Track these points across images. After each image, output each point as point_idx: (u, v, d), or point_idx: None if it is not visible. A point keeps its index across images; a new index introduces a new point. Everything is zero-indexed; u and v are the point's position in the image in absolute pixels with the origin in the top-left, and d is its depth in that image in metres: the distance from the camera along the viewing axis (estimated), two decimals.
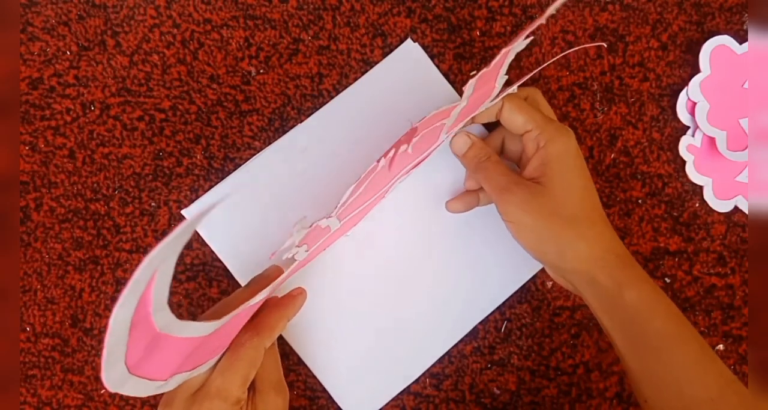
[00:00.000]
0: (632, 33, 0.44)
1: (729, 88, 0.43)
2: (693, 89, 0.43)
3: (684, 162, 0.44)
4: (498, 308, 0.43)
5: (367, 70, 0.43)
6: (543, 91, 0.42)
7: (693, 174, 0.44)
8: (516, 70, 0.44)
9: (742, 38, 0.44)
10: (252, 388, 0.36)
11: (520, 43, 0.32)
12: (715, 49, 0.43)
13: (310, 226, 0.32)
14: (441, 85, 0.43)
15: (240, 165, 0.43)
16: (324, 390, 0.42)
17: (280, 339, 0.42)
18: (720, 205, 0.44)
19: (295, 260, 0.34)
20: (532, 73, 0.36)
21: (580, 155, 0.36)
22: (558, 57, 0.40)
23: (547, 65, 0.44)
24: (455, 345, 0.43)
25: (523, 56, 0.44)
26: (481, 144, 0.39)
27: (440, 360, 0.43)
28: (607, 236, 0.36)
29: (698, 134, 0.44)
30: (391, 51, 0.43)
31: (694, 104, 0.43)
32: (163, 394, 0.34)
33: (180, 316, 0.42)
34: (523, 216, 0.35)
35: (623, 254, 0.36)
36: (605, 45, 0.44)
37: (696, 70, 0.44)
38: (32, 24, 0.43)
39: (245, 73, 0.43)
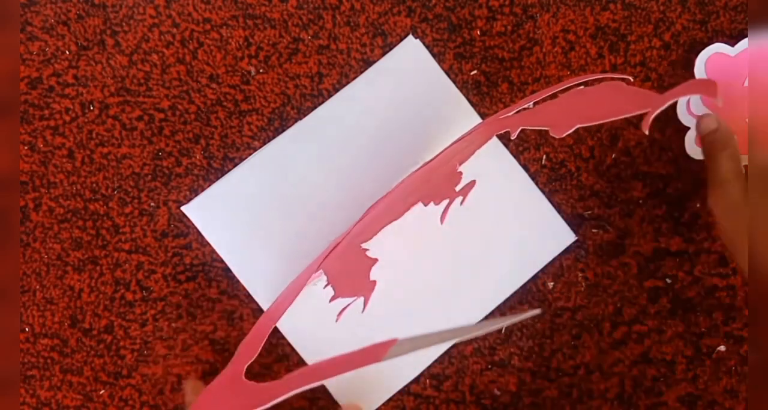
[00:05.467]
0: (634, 32, 0.44)
1: (730, 92, 0.43)
2: (694, 102, 0.43)
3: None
4: (498, 308, 0.43)
5: (367, 70, 0.43)
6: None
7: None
8: (517, 69, 0.44)
9: (736, 40, 0.43)
10: None
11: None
12: (710, 58, 0.42)
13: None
14: (443, 83, 0.43)
15: (239, 164, 0.43)
16: (325, 391, 0.42)
17: (282, 339, 0.42)
18: None
19: None
20: (521, 107, 0.35)
21: None
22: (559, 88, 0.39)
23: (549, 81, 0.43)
24: (455, 346, 0.43)
25: (524, 56, 0.44)
26: (724, 132, 0.39)
27: (440, 361, 0.43)
28: None
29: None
30: (391, 50, 0.43)
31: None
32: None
33: (179, 317, 0.42)
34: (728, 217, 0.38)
35: None
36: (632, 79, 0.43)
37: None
38: (31, 23, 0.43)
39: (245, 72, 0.43)
